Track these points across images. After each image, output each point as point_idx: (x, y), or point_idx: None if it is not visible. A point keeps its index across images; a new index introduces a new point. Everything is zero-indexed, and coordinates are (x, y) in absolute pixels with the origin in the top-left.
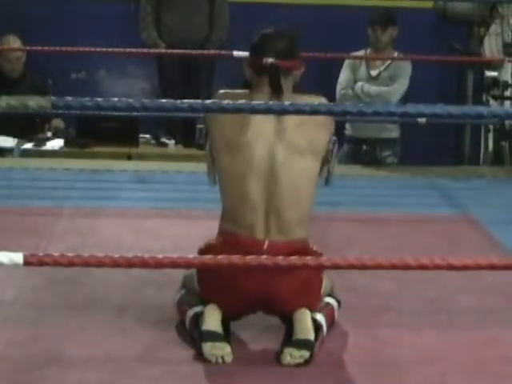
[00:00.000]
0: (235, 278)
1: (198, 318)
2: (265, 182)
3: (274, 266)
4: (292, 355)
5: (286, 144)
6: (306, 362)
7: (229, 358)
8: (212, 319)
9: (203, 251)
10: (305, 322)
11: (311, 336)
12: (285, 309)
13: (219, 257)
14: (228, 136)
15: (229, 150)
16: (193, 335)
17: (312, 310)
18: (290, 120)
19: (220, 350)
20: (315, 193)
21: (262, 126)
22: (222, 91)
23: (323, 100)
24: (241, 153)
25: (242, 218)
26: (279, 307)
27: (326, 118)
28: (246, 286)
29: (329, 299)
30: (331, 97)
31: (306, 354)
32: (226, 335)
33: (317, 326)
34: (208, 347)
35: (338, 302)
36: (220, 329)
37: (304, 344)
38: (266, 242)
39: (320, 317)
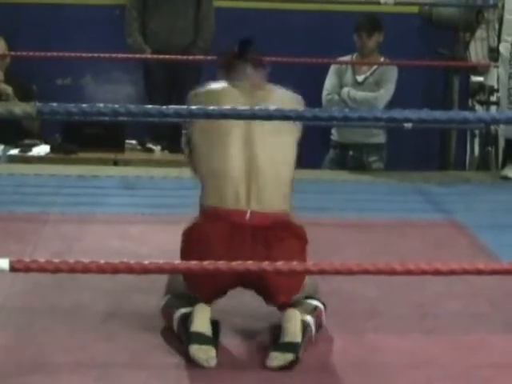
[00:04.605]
0: (220, 253)
1: (186, 318)
2: (244, 156)
3: (260, 271)
4: (277, 359)
5: (260, 124)
6: (292, 364)
7: (212, 362)
8: (201, 320)
9: (187, 232)
10: (293, 324)
11: (298, 339)
12: (268, 286)
13: (205, 262)
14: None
15: (204, 129)
16: (180, 336)
17: (295, 293)
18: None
19: (205, 354)
20: (293, 172)
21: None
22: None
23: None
24: (216, 129)
25: (224, 190)
26: (263, 284)
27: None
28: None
29: (316, 302)
30: (317, 102)
31: (289, 356)
32: (214, 338)
33: (305, 327)
34: (194, 349)
35: (324, 305)
36: (209, 331)
37: (289, 347)
38: (248, 212)
39: (309, 318)
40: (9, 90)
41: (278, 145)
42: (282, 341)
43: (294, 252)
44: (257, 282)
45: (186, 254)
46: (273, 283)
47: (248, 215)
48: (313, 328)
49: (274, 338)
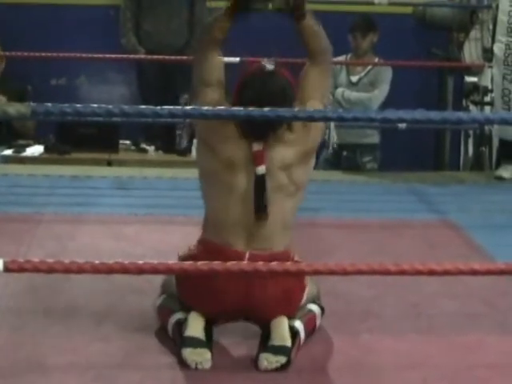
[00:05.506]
0: (215, 283)
1: (181, 324)
2: (247, 196)
3: (254, 273)
4: (268, 360)
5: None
6: (283, 367)
7: (207, 365)
8: (195, 326)
9: (183, 259)
10: (281, 329)
11: (288, 343)
12: (265, 316)
13: (199, 263)
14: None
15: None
16: (175, 341)
17: (291, 317)
18: (277, 163)
19: (199, 356)
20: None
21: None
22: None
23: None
24: (226, 169)
25: (224, 228)
26: (259, 314)
27: (312, 147)
28: (227, 293)
29: (312, 306)
30: None
31: (282, 359)
32: (208, 342)
33: (294, 333)
34: (187, 353)
35: (322, 309)
36: (202, 335)
37: (280, 350)
38: (247, 254)
39: (298, 324)
40: (3, 100)
41: (287, 196)
42: (272, 344)
43: (291, 292)
44: (252, 311)
45: (180, 283)
46: (270, 313)
47: (247, 257)
48: (302, 333)
49: (263, 342)
